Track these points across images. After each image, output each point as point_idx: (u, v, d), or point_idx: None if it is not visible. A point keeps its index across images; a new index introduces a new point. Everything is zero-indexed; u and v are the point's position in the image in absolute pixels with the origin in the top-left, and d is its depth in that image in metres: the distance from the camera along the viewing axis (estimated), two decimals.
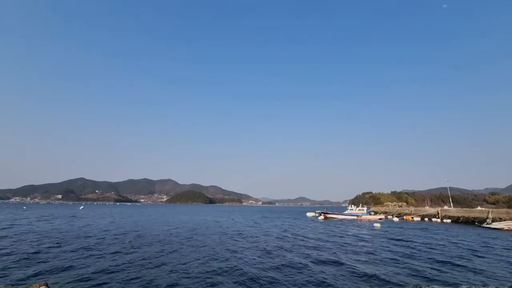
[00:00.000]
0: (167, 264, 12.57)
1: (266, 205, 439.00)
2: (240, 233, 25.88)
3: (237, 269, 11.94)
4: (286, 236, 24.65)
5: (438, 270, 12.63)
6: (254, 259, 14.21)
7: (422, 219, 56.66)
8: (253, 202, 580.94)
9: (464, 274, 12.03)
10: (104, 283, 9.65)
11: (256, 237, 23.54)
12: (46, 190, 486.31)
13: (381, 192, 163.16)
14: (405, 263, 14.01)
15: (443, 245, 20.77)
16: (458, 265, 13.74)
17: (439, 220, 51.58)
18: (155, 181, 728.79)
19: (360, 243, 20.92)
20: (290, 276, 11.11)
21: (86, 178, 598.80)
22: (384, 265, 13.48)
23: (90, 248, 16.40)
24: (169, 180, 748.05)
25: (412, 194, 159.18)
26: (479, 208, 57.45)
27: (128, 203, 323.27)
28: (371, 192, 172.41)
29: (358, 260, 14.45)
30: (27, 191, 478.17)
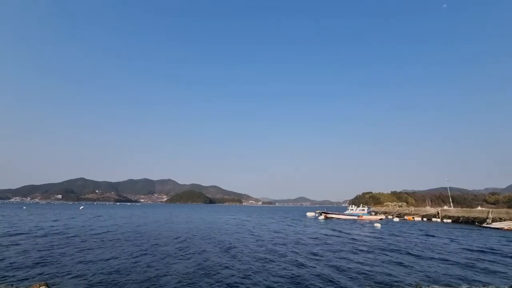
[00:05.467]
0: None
1: (266, 205, 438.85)
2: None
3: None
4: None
5: (438, 270, 12.63)
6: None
7: (422, 219, 56.71)
8: (253, 202, 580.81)
9: (464, 273, 12.03)
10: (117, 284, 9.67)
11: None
12: (46, 190, 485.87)
13: (381, 192, 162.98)
14: (406, 263, 14.02)
15: (444, 245, 20.78)
16: (458, 265, 13.75)
17: (439, 220, 51.60)
18: (155, 181, 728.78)
19: (362, 243, 20.97)
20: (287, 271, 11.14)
21: (86, 178, 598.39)
22: (385, 265, 13.48)
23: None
24: (169, 180, 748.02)
25: (412, 194, 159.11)
26: (479, 208, 57.46)
27: (128, 203, 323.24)
28: (371, 192, 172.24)
29: (359, 260, 14.47)
30: (27, 191, 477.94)
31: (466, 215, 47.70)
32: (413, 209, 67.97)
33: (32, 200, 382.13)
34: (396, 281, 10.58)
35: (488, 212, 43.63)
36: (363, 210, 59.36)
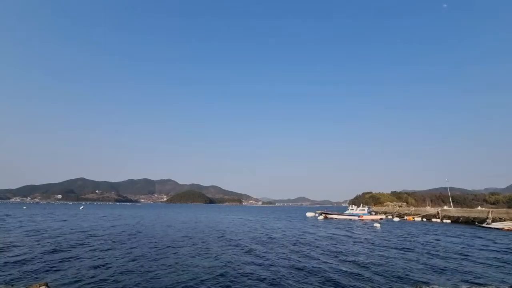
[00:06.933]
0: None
1: (266, 205, 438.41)
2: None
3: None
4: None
5: (437, 270, 12.64)
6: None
7: (422, 219, 56.63)
8: (253, 202, 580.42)
9: (464, 273, 12.04)
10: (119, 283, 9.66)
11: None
12: (46, 190, 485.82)
13: (381, 192, 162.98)
14: (406, 262, 14.02)
15: (443, 244, 20.79)
16: (457, 265, 13.75)
17: (439, 220, 51.54)
18: (155, 181, 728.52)
19: (361, 243, 20.96)
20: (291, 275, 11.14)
21: (86, 178, 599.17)
22: (384, 264, 13.48)
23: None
24: (169, 180, 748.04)
25: (412, 194, 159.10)
26: (479, 208, 57.45)
27: (128, 203, 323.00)
28: (371, 192, 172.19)
29: (358, 259, 14.47)
30: (27, 191, 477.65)
31: (466, 215, 47.64)
32: (413, 209, 67.89)
33: (32, 200, 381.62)
34: (396, 281, 10.59)
35: (488, 212, 43.60)
36: (363, 210, 59.24)
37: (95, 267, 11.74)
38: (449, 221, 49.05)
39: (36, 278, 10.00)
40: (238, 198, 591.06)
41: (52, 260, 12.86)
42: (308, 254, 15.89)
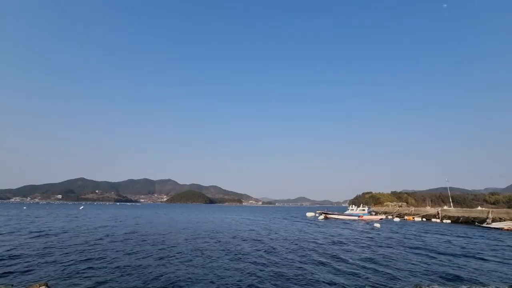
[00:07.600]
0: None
1: (266, 205, 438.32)
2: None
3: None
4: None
5: (438, 269, 12.63)
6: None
7: (423, 219, 56.61)
8: (253, 202, 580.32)
9: (463, 274, 12.02)
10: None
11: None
12: (46, 190, 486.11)
13: (381, 192, 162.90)
14: (406, 262, 14.01)
15: (441, 244, 20.79)
16: (457, 265, 13.74)
17: (439, 220, 51.52)
18: (155, 181, 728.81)
19: (361, 243, 20.94)
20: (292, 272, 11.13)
21: (86, 178, 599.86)
22: (385, 264, 13.47)
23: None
24: (169, 180, 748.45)
25: (412, 194, 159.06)
26: (479, 208, 57.45)
27: (128, 203, 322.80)
28: (371, 192, 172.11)
29: (358, 259, 14.45)
30: (27, 191, 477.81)
31: (466, 215, 47.62)
32: (413, 209, 67.85)
33: (32, 200, 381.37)
34: (398, 280, 10.59)
35: (488, 212, 43.59)
36: (363, 210, 59.19)
37: (96, 268, 11.71)
38: (449, 221, 49.02)
39: (36, 278, 9.99)
40: (238, 198, 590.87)
41: (52, 261, 12.83)
42: (311, 253, 15.89)
